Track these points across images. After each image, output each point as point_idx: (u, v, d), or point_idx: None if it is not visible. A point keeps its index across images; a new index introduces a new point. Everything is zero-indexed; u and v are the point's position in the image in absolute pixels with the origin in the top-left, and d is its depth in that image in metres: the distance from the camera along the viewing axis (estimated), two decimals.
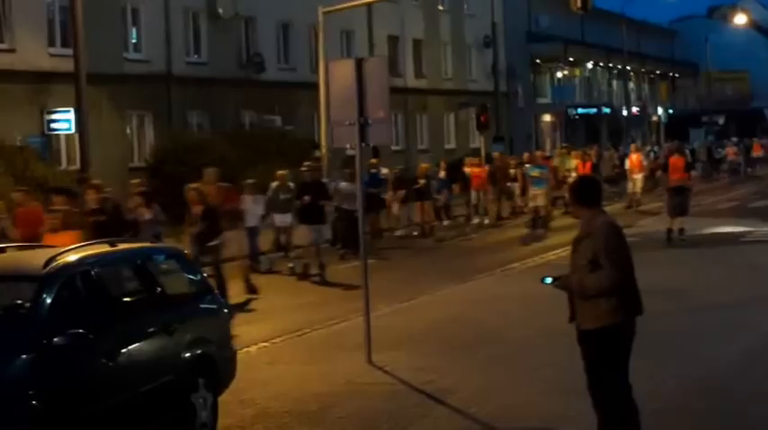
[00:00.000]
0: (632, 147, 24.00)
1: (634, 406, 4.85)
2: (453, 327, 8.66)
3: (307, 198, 12.75)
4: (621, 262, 4.67)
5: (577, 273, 4.74)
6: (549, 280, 4.86)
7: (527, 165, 19.23)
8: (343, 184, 14.98)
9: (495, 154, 23.01)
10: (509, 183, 19.95)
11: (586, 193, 4.89)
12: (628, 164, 21.78)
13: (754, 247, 13.46)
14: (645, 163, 22.22)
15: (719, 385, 6.37)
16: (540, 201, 17.73)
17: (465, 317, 9.19)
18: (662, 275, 10.93)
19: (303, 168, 14.26)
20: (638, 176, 21.13)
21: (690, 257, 12.72)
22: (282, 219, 13.45)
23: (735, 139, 38.11)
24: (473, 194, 19.36)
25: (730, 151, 32.82)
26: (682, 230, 14.17)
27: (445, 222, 18.53)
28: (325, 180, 15.62)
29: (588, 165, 19.83)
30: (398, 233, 17.38)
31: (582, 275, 4.69)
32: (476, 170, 19.68)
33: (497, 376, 6.80)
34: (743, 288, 9.91)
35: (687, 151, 22.55)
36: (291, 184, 13.69)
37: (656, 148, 32.44)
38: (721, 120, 48.55)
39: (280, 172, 13.84)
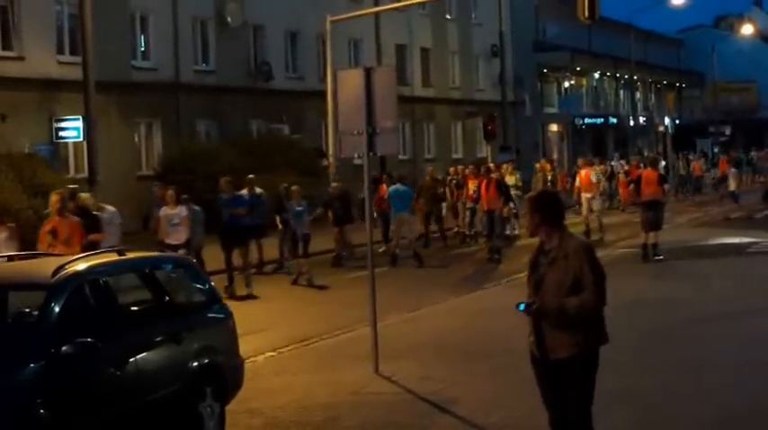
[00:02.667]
0: (580, 161, 20.36)
1: None
2: (459, 338, 8.68)
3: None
4: (604, 285, 4.33)
5: (552, 297, 4.31)
6: (522, 306, 4.40)
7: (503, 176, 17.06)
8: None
9: (430, 168, 19.37)
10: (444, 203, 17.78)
11: (556, 210, 4.43)
12: (577, 181, 18.79)
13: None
14: (596, 180, 18.58)
15: (733, 392, 6.34)
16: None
17: (471, 327, 9.21)
18: (666, 287, 10.99)
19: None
20: (589, 196, 17.97)
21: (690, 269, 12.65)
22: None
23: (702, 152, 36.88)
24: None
25: (696, 166, 30.27)
26: (655, 246, 13.57)
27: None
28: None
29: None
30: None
31: (563, 299, 4.29)
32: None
33: (502, 386, 6.79)
34: (750, 298, 9.93)
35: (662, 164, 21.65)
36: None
37: (619, 162, 28.13)
38: (728, 131, 48.50)
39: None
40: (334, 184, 16.22)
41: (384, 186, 16.58)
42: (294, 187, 13.88)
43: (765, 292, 10.32)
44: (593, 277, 4.27)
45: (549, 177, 24.20)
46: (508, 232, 16.71)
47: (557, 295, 4.30)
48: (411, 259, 14.57)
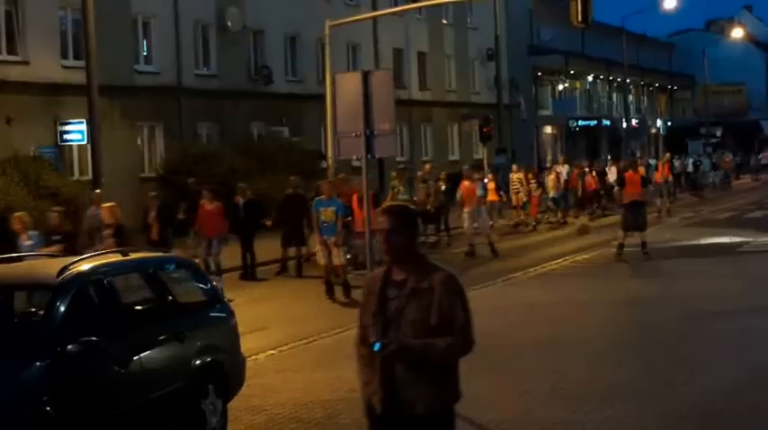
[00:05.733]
0: (465, 171, 16.91)
1: None
2: None
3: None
4: (473, 329, 3.60)
5: (411, 337, 3.44)
6: (377, 346, 3.44)
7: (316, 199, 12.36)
8: None
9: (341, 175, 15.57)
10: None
11: (415, 231, 3.59)
12: (459, 193, 16.19)
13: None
14: (480, 192, 16.13)
15: (736, 392, 6.39)
16: (335, 258, 11.54)
17: None
18: (660, 285, 11.19)
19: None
20: (469, 210, 15.60)
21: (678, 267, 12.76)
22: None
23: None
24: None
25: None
26: (644, 245, 13.88)
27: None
28: None
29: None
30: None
31: (428, 340, 3.44)
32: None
33: (498, 384, 6.83)
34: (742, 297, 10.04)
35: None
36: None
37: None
38: (719, 132, 48.97)
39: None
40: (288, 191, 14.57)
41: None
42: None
43: (757, 291, 10.43)
44: (464, 318, 3.53)
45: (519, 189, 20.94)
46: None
47: (418, 336, 3.44)
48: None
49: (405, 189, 16.61)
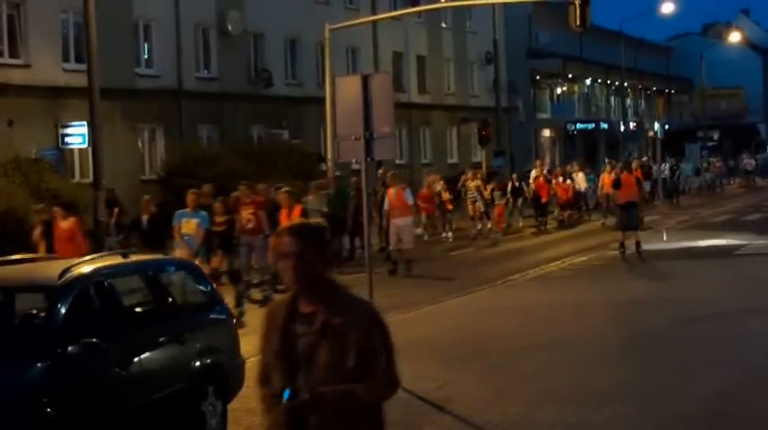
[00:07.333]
0: (388, 175, 15.12)
1: None
2: (455, 337, 8.75)
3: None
4: (396, 367, 3.03)
5: (329, 384, 2.87)
6: (287, 394, 2.89)
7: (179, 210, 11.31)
8: None
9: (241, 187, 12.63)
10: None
11: (326, 253, 2.99)
12: (386, 203, 14.12)
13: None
14: (409, 201, 14.21)
15: (732, 393, 6.45)
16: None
17: (466, 327, 9.29)
18: (658, 288, 11.20)
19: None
20: (401, 223, 13.67)
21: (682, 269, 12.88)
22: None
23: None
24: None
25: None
26: (638, 244, 14.15)
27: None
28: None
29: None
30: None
31: (348, 387, 2.88)
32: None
33: (497, 385, 6.86)
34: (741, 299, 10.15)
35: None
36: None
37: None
38: (716, 136, 49.14)
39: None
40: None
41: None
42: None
43: (753, 293, 10.51)
44: (386, 357, 2.95)
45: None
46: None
47: (334, 381, 2.87)
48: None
49: (320, 201, 14.42)
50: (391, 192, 14.11)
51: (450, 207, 19.05)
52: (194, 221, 10.99)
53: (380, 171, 17.33)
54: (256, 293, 11.46)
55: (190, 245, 10.80)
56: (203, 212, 11.34)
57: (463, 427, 5.95)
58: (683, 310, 9.53)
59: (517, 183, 21.10)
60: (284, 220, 10.73)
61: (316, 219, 13.73)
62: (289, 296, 2.98)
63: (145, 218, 13.22)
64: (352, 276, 13.00)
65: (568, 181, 22.46)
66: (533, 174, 22.12)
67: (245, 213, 12.00)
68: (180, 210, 11.31)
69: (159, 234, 12.05)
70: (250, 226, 11.80)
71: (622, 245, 14.27)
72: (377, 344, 2.92)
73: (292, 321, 2.93)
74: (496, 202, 19.24)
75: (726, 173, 37.71)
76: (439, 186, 19.29)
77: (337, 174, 17.78)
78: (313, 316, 2.90)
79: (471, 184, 19.33)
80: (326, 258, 2.96)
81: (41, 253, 10.95)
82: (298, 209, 11.49)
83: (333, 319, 2.88)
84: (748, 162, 38.29)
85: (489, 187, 19.39)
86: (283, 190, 11.97)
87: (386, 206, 14.13)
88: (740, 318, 9.11)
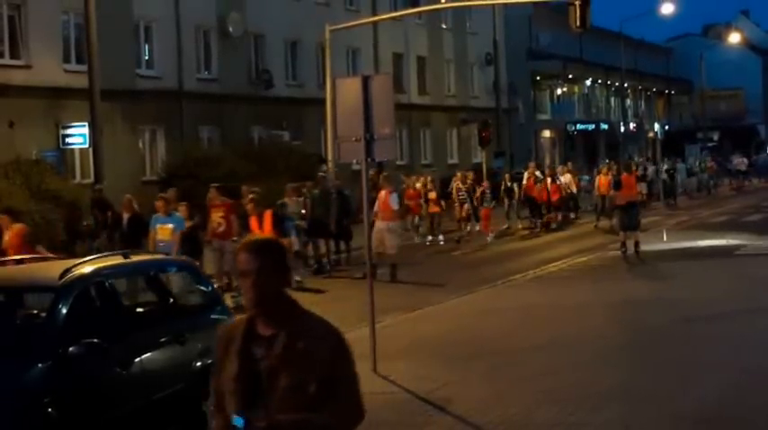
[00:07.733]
0: (381, 176, 14.99)
1: None
2: (455, 338, 8.77)
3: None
4: (360, 394, 2.82)
5: (288, 412, 2.65)
6: (241, 422, 2.70)
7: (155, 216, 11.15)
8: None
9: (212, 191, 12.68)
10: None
11: (286, 272, 2.78)
12: (376, 206, 13.42)
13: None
14: (394, 205, 13.87)
15: (732, 394, 6.46)
16: None
17: (467, 327, 9.31)
18: (657, 288, 11.21)
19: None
20: (384, 226, 13.22)
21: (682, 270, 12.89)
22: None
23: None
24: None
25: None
26: (637, 244, 14.28)
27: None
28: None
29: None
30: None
31: (308, 416, 2.66)
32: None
33: (498, 385, 6.89)
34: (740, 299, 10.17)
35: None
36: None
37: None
38: (716, 136, 49.17)
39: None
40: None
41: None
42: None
43: (754, 293, 10.53)
44: (349, 383, 2.78)
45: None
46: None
47: (294, 408, 2.66)
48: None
49: (296, 205, 14.10)
50: (381, 194, 13.88)
51: (437, 209, 18.69)
52: (169, 227, 10.74)
53: (372, 172, 16.15)
54: (227, 299, 11.34)
55: (165, 251, 10.10)
56: (177, 215, 11.07)
57: (463, 427, 5.97)
58: (683, 311, 9.56)
59: (509, 184, 21.14)
60: (254, 226, 10.47)
61: (298, 222, 13.16)
62: (245, 317, 2.80)
63: (126, 217, 12.63)
64: (342, 280, 13.17)
65: (557, 182, 22.14)
66: (525, 175, 22.06)
67: (216, 216, 11.68)
68: (155, 215, 11.04)
69: (138, 233, 11.69)
70: (221, 229, 11.52)
71: (624, 244, 14.44)
72: (340, 372, 2.73)
73: (250, 344, 2.74)
74: (485, 205, 18.87)
75: (719, 173, 37.04)
76: (419, 183, 19.13)
77: (321, 174, 17.56)
78: (273, 339, 2.70)
79: (462, 186, 19.06)
80: (285, 276, 2.77)
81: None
82: (268, 214, 10.82)
83: (294, 343, 2.68)
84: (739, 162, 37.47)
85: (480, 189, 19.14)
86: (249, 197, 11.26)
87: (375, 208, 13.63)
88: (740, 319, 9.14)
